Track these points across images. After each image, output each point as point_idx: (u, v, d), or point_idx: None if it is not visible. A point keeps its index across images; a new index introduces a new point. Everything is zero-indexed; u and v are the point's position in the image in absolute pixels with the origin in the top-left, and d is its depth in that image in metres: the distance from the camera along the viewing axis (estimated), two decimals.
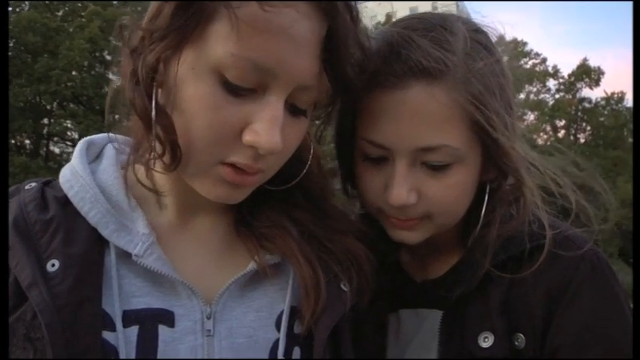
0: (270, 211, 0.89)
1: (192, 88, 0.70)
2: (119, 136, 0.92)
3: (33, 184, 0.85)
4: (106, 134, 0.94)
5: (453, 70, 0.86)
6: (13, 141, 23.42)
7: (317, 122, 0.93)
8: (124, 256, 0.78)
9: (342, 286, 0.84)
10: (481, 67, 0.88)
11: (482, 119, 0.87)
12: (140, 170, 0.78)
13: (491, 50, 0.93)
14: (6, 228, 0.79)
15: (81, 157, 0.85)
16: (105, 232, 0.78)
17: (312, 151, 0.90)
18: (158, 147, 0.73)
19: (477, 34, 0.94)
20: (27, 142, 25.06)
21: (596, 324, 0.85)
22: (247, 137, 0.71)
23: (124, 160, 0.87)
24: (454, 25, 0.92)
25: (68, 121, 23.90)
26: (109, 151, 0.89)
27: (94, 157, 0.90)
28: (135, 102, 0.72)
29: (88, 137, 0.92)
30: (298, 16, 0.68)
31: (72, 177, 0.83)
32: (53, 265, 0.73)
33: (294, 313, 0.83)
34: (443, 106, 0.86)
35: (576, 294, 0.87)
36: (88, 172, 0.83)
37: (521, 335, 0.87)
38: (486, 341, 0.88)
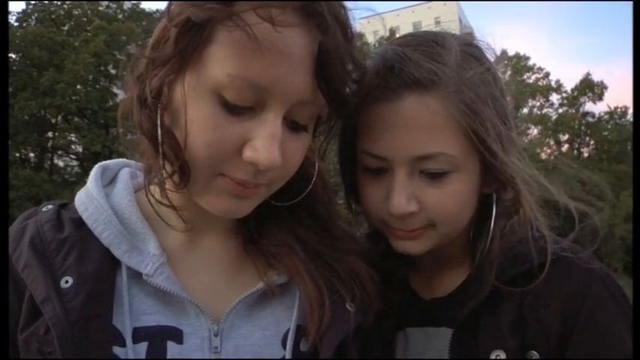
0: (277, 229, 0.91)
1: (194, 109, 0.72)
2: (133, 162, 0.95)
3: (50, 207, 0.88)
4: (121, 160, 0.98)
5: (444, 81, 0.89)
6: (17, 154, 23.57)
7: (321, 138, 0.94)
8: (135, 275, 0.80)
9: (348, 306, 0.85)
10: (471, 75, 0.91)
11: (476, 127, 0.89)
12: (156, 191, 0.80)
13: (482, 61, 0.96)
14: (6, 231, 0.81)
15: (96, 181, 0.88)
16: (117, 253, 0.80)
17: (316, 167, 0.91)
18: (167, 167, 0.75)
19: (469, 47, 0.96)
20: (31, 155, 25.23)
21: (614, 343, 0.86)
22: (247, 154, 0.72)
23: (137, 184, 0.91)
24: (446, 40, 0.94)
25: (72, 135, 24.09)
26: (123, 176, 0.92)
27: (109, 180, 0.93)
28: (142, 125, 0.75)
29: (103, 162, 0.95)
30: (290, 33, 0.69)
31: (87, 199, 0.85)
32: (67, 282, 0.75)
33: (300, 331, 0.83)
34: (437, 115, 0.88)
35: (593, 313, 0.87)
36: (103, 195, 0.86)
37: (535, 352, 0.87)
38: (498, 358, 0.88)
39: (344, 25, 0.75)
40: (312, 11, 0.70)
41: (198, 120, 0.71)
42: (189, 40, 0.70)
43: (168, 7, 0.73)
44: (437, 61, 0.90)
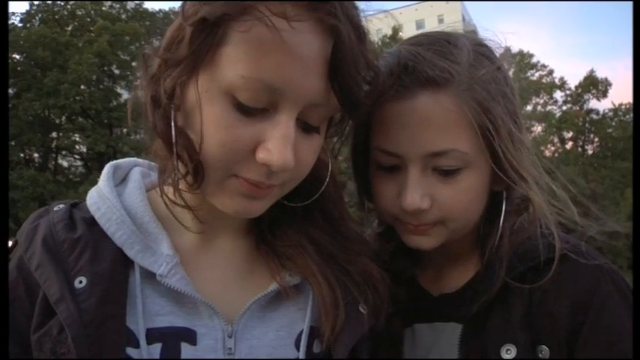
0: (290, 230, 0.91)
1: (207, 110, 0.72)
2: (144, 161, 0.95)
3: (61, 206, 0.87)
4: (131, 159, 0.97)
5: (457, 79, 0.90)
6: (21, 154, 23.64)
7: (334, 138, 0.94)
8: (149, 275, 0.80)
9: (361, 309, 0.86)
10: (483, 74, 0.92)
11: (487, 124, 0.91)
12: (169, 191, 0.80)
13: (493, 60, 0.98)
14: (6, 233, 0.82)
15: (108, 180, 0.88)
16: (130, 253, 0.80)
17: (329, 168, 0.92)
18: (181, 167, 0.75)
19: (479, 47, 0.98)
20: (36, 155, 25.30)
21: (622, 339, 0.87)
22: (260, 155, 0.72)
23: (148, 183, 0.91)
24: (458, 39, 0.97)
25: (76, 135, 24.13)
26: (135, 175, 0.92)
27: (120, 180, 0.92)
28: (156, 125, 0.75)
29: (115, 161, 0.95)
30: (303, 35, 0.69)
31: (99, 199, 0.85)
32: (81, 282, 0.75)
33: (313, 332, 0.84)
34: (449, 112, 0.90)
35: (602, 309, 0.88)
36: (115, 195, 0.85)
37: (545, 347, 0.88)
38: (509, 353, 0.89)
39: (357, 26, 0.75)
40: (325, 12, 0.70)
41: (211, 121, 0.72)
42: (202, 40, 0.70)
43: (183, 6, 0.72)
44: (450, 60, 0.91)
